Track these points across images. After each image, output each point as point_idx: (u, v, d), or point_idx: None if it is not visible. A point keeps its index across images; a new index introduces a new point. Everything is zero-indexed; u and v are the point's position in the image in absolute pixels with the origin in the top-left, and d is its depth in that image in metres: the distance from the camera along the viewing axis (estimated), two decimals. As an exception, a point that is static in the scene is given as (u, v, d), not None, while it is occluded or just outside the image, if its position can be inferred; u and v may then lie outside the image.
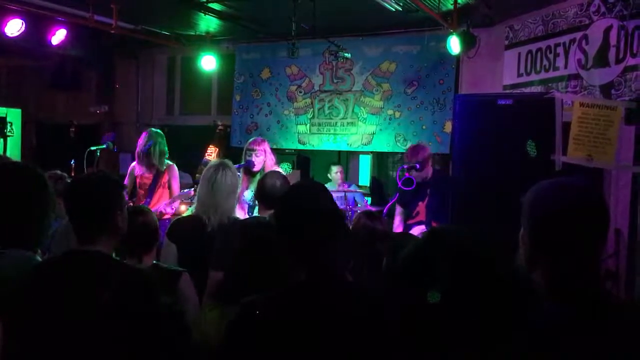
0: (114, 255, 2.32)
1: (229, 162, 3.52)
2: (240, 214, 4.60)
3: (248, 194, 4.62)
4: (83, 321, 1.85)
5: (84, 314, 1.85)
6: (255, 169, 4.89)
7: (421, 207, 5.01)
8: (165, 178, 5.14)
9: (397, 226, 5.12)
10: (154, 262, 2.82)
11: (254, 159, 4.85)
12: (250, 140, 5.13)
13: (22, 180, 2.19)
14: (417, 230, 5.05)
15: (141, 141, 5.10)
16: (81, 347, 1.83)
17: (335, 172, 6.91)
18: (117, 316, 1.66)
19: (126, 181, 5.20)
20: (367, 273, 2.81)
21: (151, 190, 5.10)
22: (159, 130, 5.25)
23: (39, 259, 2.17)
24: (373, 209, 5.96)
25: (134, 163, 5.24)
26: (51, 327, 1.88)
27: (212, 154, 7.03)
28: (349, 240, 1.83)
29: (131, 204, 4.85)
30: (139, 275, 1.75)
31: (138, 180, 5.19)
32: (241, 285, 2.18)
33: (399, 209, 5.23)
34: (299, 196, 1.84)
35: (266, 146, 5.02)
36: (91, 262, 1.99)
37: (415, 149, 5.02)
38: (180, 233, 3.36)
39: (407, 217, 5.10)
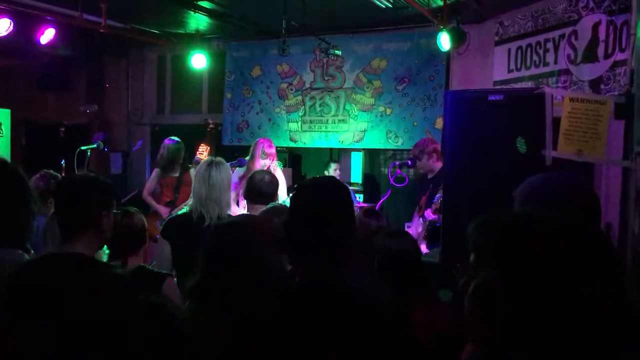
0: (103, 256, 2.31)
1: (221, 159, 3.57)
2: (237, 210, 4.64)
3: None
4: (63, 324, 1.83)
5: (64, 317, 1.83)
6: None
7: (423, 200, 5.02)
8: (188, 177, 5.80)
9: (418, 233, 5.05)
10: (140, 264, 2.80)
11: (267, 164, 5.00)
12: (263, 143, 5.22)
13: (2, 178, 2.17)
14: (414, 224, 5.05)
15: (160, 151, 6.00)
16: (60, 350, 1.81)
17: (333, 169, 6.95)
18: (86, 319, 1.59)
19: (150, 183, 6.01)
20: (367, 270, 2.80)
21: (177, 188, 5.84)
22: (175, 139, 6.02)
23: (27, 257, 2.16)
24: (365, 205, 5.98)
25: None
26: (29, 330, 1.87)
27: (203, 152, 7.01)
28: (353, 242, 1.74)
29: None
30: (111, 276, 1.68)
31: (162, 180, 5.92)
32: (205, 286, 2.15)
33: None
34: (308, 192, 1.75)
35: (274, 147, 5.24)
36: (71, 263, 1.97)
37: (417, 142, 5.09)
38: (174, 231, 3.36)
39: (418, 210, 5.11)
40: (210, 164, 3.45)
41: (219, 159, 3.56)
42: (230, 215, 3.43)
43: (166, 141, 6.05)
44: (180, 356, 1.36)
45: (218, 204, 3.34)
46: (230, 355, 1.64)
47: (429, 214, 4.63)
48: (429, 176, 4.97)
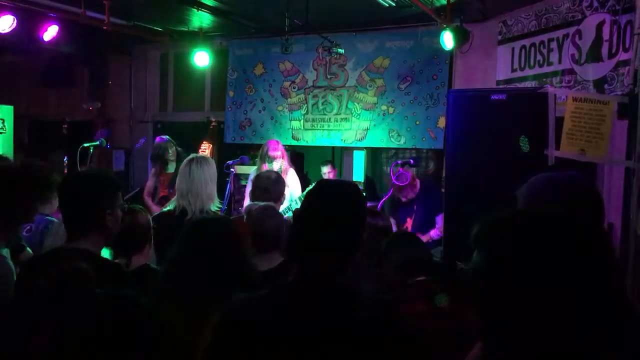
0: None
1: (204, 155, 3.62)
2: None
3: None
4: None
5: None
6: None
7: (409, 222, 5.07)
8: None
9: None
10: (145, 262, 2.79)
11: (275, 166, 4.95)
12: (268, 145, 5.15)
13: None
14: None
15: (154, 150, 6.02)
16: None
17: (325, 172, 6.82)
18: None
19: (149, 182, 6.04)
20: (371, 270, 2.80)
21: (172, 183, 5.75)
22: (164, 137, 6.05)
23: (5, 254, 2.18)
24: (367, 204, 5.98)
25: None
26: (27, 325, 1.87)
27: (205, 150, 7.02)
28: (357, 249, 1.69)
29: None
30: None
31: (160, 178, 5.97)
32: (176, 281, 2.12)
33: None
34: (325, 191, 1.72)
35: (282, 147, 5.16)
36: (74, 259, 1.98)
37: (400, 175, 5.26)
38: (158, 227, 3.35)
39: None
40: (191, 160, 3.50)
41: (201, 155, 3.62)
42: (215, 212, 3.44)
43: (157, 139, 6.13)
44: (144, 341, 1.34)
45: (199, 197, 3.37)
46: (212, 354, 1.61)
47: (436, 234, 4.80)
48: (414, 197, 5.11)
